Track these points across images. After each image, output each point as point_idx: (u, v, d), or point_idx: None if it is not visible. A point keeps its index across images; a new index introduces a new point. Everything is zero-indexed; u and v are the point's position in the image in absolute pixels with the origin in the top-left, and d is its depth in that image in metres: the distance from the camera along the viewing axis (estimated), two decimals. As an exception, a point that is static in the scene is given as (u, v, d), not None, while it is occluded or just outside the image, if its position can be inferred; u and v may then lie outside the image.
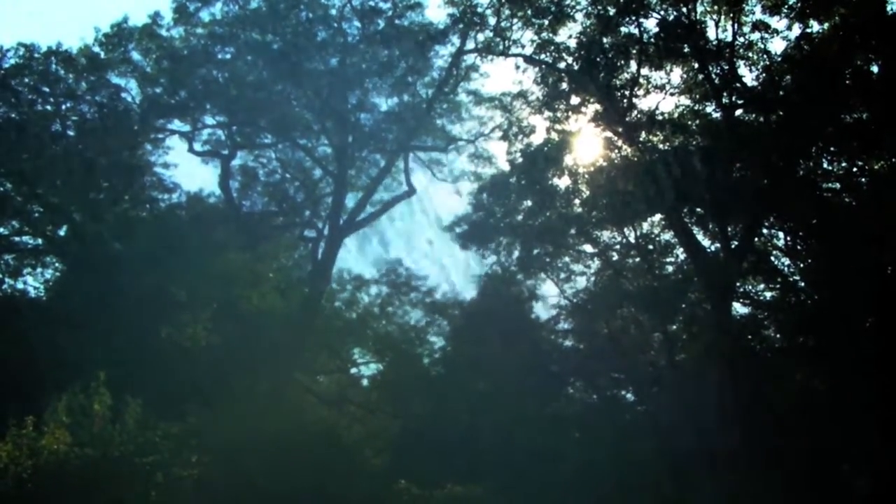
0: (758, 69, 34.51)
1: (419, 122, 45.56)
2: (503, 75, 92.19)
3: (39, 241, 38.62)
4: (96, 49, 42.69)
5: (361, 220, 46.46)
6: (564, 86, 37.99)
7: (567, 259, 40.25)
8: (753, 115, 34.07)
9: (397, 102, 46.42)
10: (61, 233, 39.02)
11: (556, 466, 32.25)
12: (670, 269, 38.28)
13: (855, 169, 33.22)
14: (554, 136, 38.05)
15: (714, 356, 32.84)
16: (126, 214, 37.96)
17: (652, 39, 34.97)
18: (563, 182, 38.75)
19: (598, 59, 35.76)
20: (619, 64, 35.92)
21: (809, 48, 31.93)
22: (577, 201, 39.01)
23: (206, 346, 34.58)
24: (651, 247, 37.73)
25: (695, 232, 36.28)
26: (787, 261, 35.90)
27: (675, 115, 35.73)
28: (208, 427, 28.15)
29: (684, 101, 36.12)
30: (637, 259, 38.20)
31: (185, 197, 42.32)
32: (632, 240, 37.96)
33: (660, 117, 35.61)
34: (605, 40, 35.79)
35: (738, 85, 34.56)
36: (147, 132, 41.56)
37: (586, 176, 38.56)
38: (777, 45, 37.76)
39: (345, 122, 45.32)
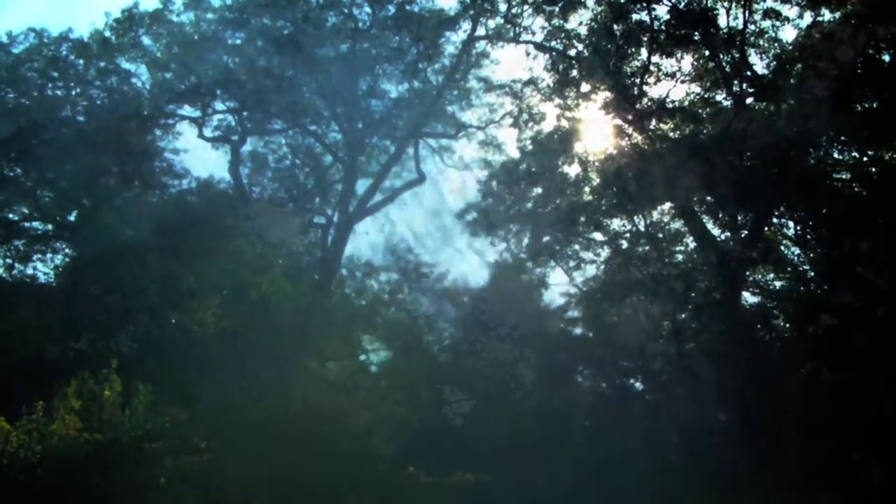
0: (768, 57, 34.43)
1: (429, 108, 45.45)
2: (514, 62, 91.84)
3: (49, 226, 38.66)
4: (107, 34, 42.72)
5: (371, 207, 46.45)
6: (575, 73, 38.00)
7: (577, 247, 40.20)
8: (764, 104, 33.93)
9: (408, 89, 46.39)
10: (71, 218, 39.05)
11: (565, 454, 32.30)
12: (680, 257, 38.21)
13: (865, 159, 33.10)
14: (564, 123, 38.01)
15: (723, 345, 32.97)
16: (136, 200, 37.97)
17: (663, 27, 34.86)
18: (572, 170, 38.69)
19: (608, 47, 35.69)
20: (629, 51, 35.85)
21: (820, 37, 31.82)
22: (587, 189, 38.94)
23: (215, 332, 34.60)
24: (661, 235, 37.65)
25: (704, 220, 36.25)
26: (796, 250, 35.81)
27: (686, 103, 35.65)
28: (217, 412, 28.27)
29: (695, 88, 36.07)
30: (647, 247, 38.12)
31: (195, 183, 42.36)
32: (641, 228, 37.88)
33: (670, 105, 35.52)
34: (615, 27, 35.70)
35: (748, 73, 34.44)
36: (157, 118, 41.52)
37: (596, 164, 38.54)
38: (788, 34, 37.80)
39: (355, 108, 45.24)
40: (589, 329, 39.18)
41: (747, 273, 35.21)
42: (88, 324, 34.73)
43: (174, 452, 24.19)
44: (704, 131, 34.45)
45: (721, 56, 34.75)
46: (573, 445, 32.97)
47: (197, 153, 58.93)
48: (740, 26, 34.10)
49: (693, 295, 35.46)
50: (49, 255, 37.83)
